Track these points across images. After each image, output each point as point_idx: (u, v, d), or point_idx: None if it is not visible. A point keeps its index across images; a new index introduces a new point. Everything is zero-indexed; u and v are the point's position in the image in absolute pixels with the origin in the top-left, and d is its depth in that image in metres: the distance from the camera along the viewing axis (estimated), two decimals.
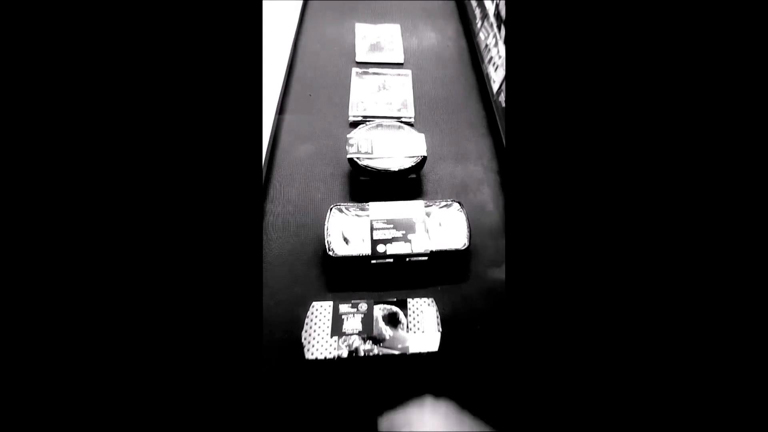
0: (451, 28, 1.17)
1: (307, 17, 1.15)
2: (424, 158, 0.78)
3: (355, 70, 0.98)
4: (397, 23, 1.14)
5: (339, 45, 1.07)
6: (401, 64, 1.04)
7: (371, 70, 0.98)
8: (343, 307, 0.57)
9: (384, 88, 0.94)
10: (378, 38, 1.09)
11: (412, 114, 0.89)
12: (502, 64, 0.87)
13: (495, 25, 0.91)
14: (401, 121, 0.88)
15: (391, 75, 0.98)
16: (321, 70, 1.01)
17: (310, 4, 1.20)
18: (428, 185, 0.81)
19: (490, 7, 0.95)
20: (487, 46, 0.96)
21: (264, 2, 0.53)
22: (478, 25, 1.02)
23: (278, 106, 0.90)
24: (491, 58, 0.93)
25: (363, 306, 0.59)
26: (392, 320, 0.59)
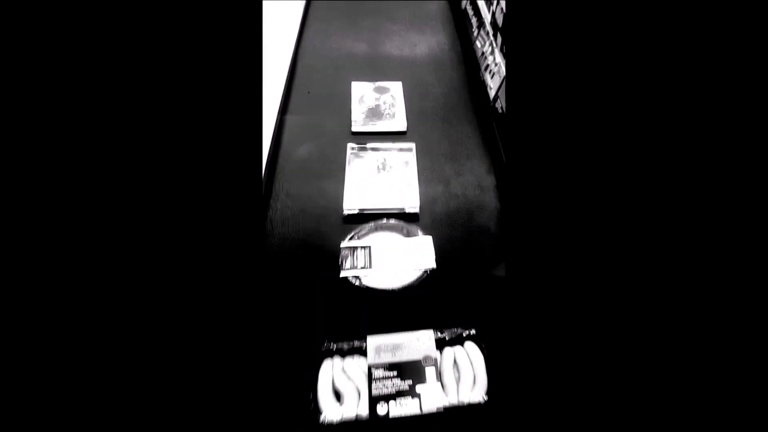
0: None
1: (310, 19, 1.22)
2: (434, 269, 0.65)
3: (350, 146, 0.85)
4: (398, 79, 1.02)
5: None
6: (404, 132, 0.92)
7: (369, 145, 0.86)
8: None
9: (383, 168, 0.82)
10: (377, 101, 0.97)
11: (417, 203, 0.76)
12: (498, 72, 0.88)
13: (491, 34, 0.93)
14: (405, 214, 0.75)
15: (392, 151, 0.86)
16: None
17: (313, 4, 1.26)
18: (438, 292, 0.67)
19: (487, 16, 0.96)
20: (483, 54, 0.98)
21: (265, 3, 0.52)
22: (475, 33, 1.06)
23: (281, 106, 0.93)
24: (488, 65, 0.95)
25: None
26: None
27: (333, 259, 0.67)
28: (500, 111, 0.86)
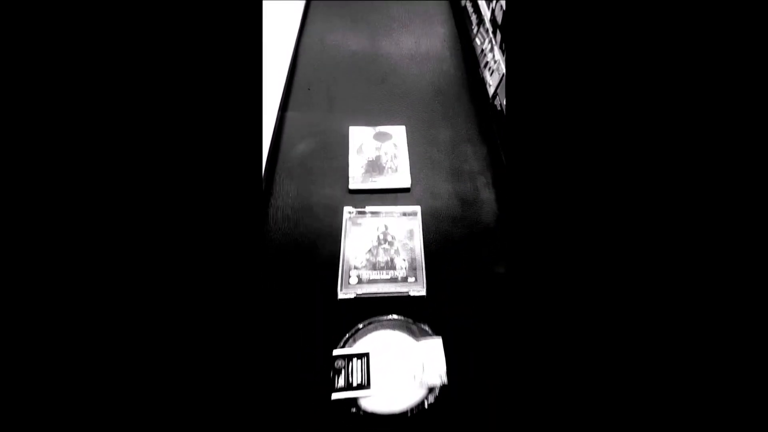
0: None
1: (310, 18, 1.21)
2: (444, 387, 0.54)
3: (347, 211, 0.75)
4: (402, 122, 0.92)
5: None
6: (407, 189, 0.81)
7: (368, 208, 0.75)
8: None
9: (385, 240, 0.71)
10: (378, 151, 0.86)
11: (423, 285, 0.66)
12: (497, 69, 0.88)
13: (491, 31, 0.93)
14: (409, 297, 0.64)
15: (394, 216, 0.75)
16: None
17: (313, 4, 1.25)
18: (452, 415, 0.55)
19: (486, 13, 0.96)
20: (482, 51, 0.98)
21: (265, 4, 0.51)
22: (474, 30, 1.06)
23: (281, 103, 0.93)
24: (487, 62, 0.95)
25: None
26: None
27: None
28: (499, 108, 0.84)
